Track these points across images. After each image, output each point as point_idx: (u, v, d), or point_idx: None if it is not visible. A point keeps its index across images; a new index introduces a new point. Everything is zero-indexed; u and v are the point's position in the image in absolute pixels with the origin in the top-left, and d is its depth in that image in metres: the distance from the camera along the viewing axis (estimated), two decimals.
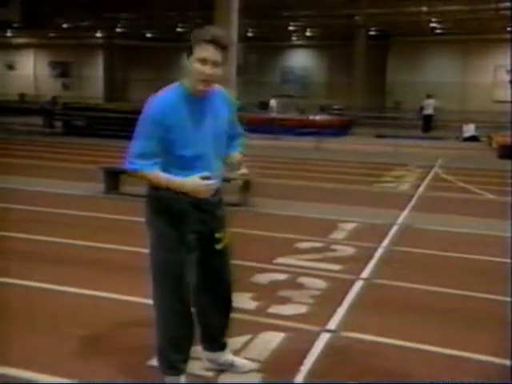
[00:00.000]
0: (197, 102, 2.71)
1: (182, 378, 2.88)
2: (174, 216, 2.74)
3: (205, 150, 2.73)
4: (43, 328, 3.71)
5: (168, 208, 2.74)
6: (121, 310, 4.04)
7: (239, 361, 3.16)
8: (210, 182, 2.68)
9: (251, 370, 3.13)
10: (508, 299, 4.38)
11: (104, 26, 34.98)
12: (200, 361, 3.13)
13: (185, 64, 2.70)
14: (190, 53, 2.64)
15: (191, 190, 2.67)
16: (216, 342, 3.08)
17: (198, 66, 2.61)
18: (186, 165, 2.68)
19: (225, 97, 2.85)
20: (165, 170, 2.69)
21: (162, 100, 2.66)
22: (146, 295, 4.11)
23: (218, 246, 2.87)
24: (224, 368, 3.11)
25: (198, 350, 3.08)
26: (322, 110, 24.59)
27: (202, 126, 2.72)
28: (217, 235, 2.86)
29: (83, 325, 3.73)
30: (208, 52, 2.60)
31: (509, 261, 5.40)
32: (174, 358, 2.85)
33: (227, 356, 3.12)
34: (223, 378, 3.08)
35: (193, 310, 2.90)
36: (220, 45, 2.61)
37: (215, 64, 2.62)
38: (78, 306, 4.09)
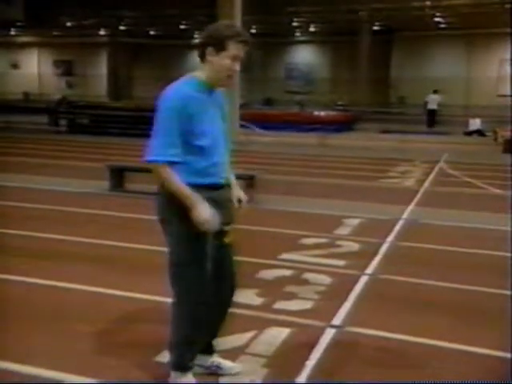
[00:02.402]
0: (212, 94, 2.76)
1: (190, 375, 2.88)
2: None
3: (218, 140, 2.78)
4: (48, 324, 3.72)
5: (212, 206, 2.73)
6: (126, 307, 4.05)
7: (226, 363, 3.09)
8: (215, 217, 2.66)
9: (238, 373, 3.07)
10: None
11: (107, 24, 35.05)
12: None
13: (208, 58, 2.68)
14: (218, 49, 2.65)
15: (198, 214, 2.64)
16: (207, 345, 3.04)
17: (228, 62, 2.68)
18: (204, 153, 2.70)
19: (222, 94, 2.91)
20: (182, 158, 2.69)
21: (182, 91, 2.67)
22: (150, 291, 4.14)
23: (227, 240, 2.88)
24: (211, 371, 3.05)
25: None
26: (299, 105, 24.43)
27: (215, 117, 2.78)
28: (226, 228, 2.87)
29: (88, 321, 3.74)
30: (240, 50, 2.69)
31: None
32: (188, 355, 2.87)
33: (213, 358, 3.08)
34: (223, 378, 3.05)
35: None
36: (247, 43, 2.71)
37: (240, 61, 2.72)
38: (83, 303, 4.11)
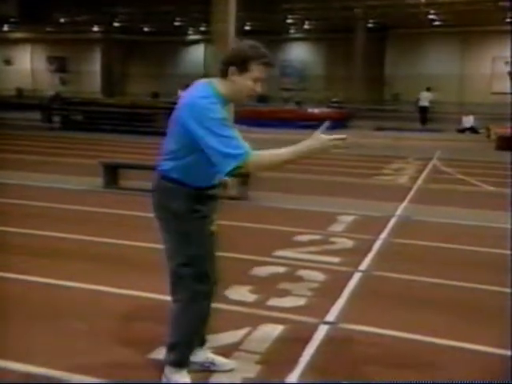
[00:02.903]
0: (225, 105, 2.75)
1: (185, 372, 2.90)
2: (197, 210, 2.75)
3: None
4: (46, 322, 3.72)
5: (193, 202, 2.74)
6: (121, 304, 4.05)
7: (220, 359, 3.10)
8: (340, 136, 2.63)
9: (232, 369, 3.07)
10: (507, 290, 4.40)
11: (101, 20, 34.89)
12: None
13: (231, 78, 2.67)
14: (241, 69, 2.65)
15: (321, 149, 2.64)
16: (203, 338, 3.05)
17: (251, 83, 2.69)
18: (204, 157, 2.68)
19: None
20: (188, 166, 2.68)
21: (212, 98, 2.64)
22: (147, 289, 4.15)
23: (212, 228, 2.89)
24: (204, 368, 3.06)
25: None
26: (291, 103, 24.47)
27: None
28: (213, 217, 2.88)
29: (84, 319, 3.74)
30: (263, 73, 2.70)
31: (508, 252, 5.42)
32: (188, 353, 2.90)
33: (207, 354, 3.09)
34: (217, 374, 3.05)
35: None
36: (271, 65, 2.72)
37: (263, 82, 2.74)
38: (81, 301, 4.10)
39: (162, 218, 2.82)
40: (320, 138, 2.63)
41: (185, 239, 2.77)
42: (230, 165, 2.54)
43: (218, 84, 2.72)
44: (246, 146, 2.59)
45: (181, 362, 2.89)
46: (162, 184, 2.79)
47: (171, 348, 2.89)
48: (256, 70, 2.67)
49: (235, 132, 2.61)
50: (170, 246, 2.83)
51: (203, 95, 2.65)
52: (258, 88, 2.71)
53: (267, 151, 2.62)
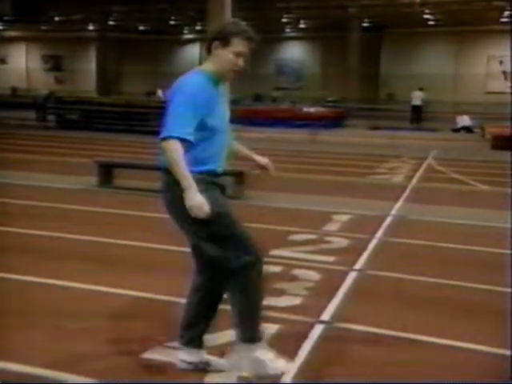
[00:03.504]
0: (218, 85, 2.90)
1: (264, 347, 2.96)
2: (220, 194, 2.87)
3: (221, 125, 2.90)
4: (41, 322, 3.71)
5: (216, 188, 2.86)
6: (116, 304, 4.04)
7: (214, 359, 3.10)
8: (205, 205, 2.72)
9: (227, 369, 3.06)
10: (501, 289, 4.41)
11: (97, 18, 34.84)
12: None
13: (214, 52, 2.83)
14: (223, 44, 2.81)
15: (190, 198, 2.70)
16: (199, 338, 3.05)
17: (232, 57, 2.83)
18: (211, 141, 2.82)
19: (225, 87, 3.07)
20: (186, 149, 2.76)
21: (198, 81, 2.80)
22: (142, 288, 4.13)
23: None
24: (199, 368, 3.04)
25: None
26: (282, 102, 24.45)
27: (220, 105, 2.92)
28: None
29: (79, 318, 3.73)
30: (244, 47, 2.84)
31: (504, 251, 5.44)
32: (257, 325, 2.95)
33: (202, 355, 3.07)
34: (211, 374, 3.04)
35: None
36: (253, 41, 2.85)
37: (246, 57, 2.86)
38: (74, 300, 4.09)
39: (176, 217, 2.85)
40: (198, 197, 2.71)
41: (206, 221, 2.77)
42: (167, 132, 2.71)
43: (206, 64, 2.88)
44: (185, 133, 2.70)
45: (253, 337, 2.93)
46: (165, 177, 2.82)
47: (238, 325, 2.93)
48: (238, 45, 2.81)
49: (194, 118, 2.73)
50: (196, 234, 2.86)
51: (192, 74, 2.84)
52: (240, 62, 2.84)
53: (181, 155, 2.69)
